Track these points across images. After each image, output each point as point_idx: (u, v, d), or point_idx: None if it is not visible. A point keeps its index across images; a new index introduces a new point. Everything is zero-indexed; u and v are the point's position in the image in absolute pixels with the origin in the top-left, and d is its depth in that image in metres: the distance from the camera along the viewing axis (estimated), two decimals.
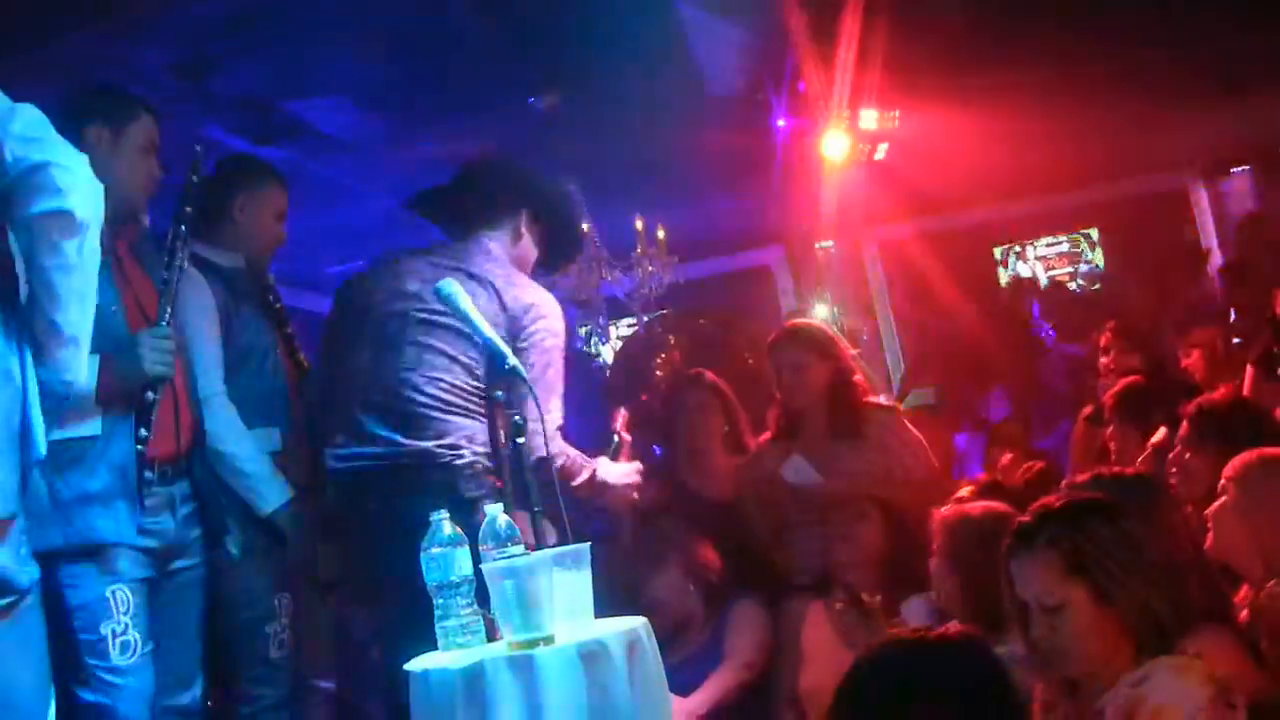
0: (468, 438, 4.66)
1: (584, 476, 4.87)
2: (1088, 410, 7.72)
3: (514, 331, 4.71)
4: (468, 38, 7.02)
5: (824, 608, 5.79)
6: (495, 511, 3.92)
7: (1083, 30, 8.15)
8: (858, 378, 6.35)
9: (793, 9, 7.48)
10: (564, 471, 4.71)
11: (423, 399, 4.69)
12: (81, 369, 3.52)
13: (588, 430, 5.66)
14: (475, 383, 4.70)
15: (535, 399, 4.43)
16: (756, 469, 6.32)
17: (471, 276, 4.79)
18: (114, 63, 6.20)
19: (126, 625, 4.27)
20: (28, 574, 3.43)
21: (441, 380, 4.70)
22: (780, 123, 9.03)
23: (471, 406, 4.70)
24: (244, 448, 4.90)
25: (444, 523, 3.89)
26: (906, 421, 6.41)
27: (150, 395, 4.39)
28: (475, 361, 4.70)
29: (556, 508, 4.33)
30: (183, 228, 4.61)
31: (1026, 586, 3.59)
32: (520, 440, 4.36)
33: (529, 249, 5.14)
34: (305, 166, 7.86)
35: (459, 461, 4.63)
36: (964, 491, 5.60)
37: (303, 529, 5.00)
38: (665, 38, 7.27)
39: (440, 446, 4.64)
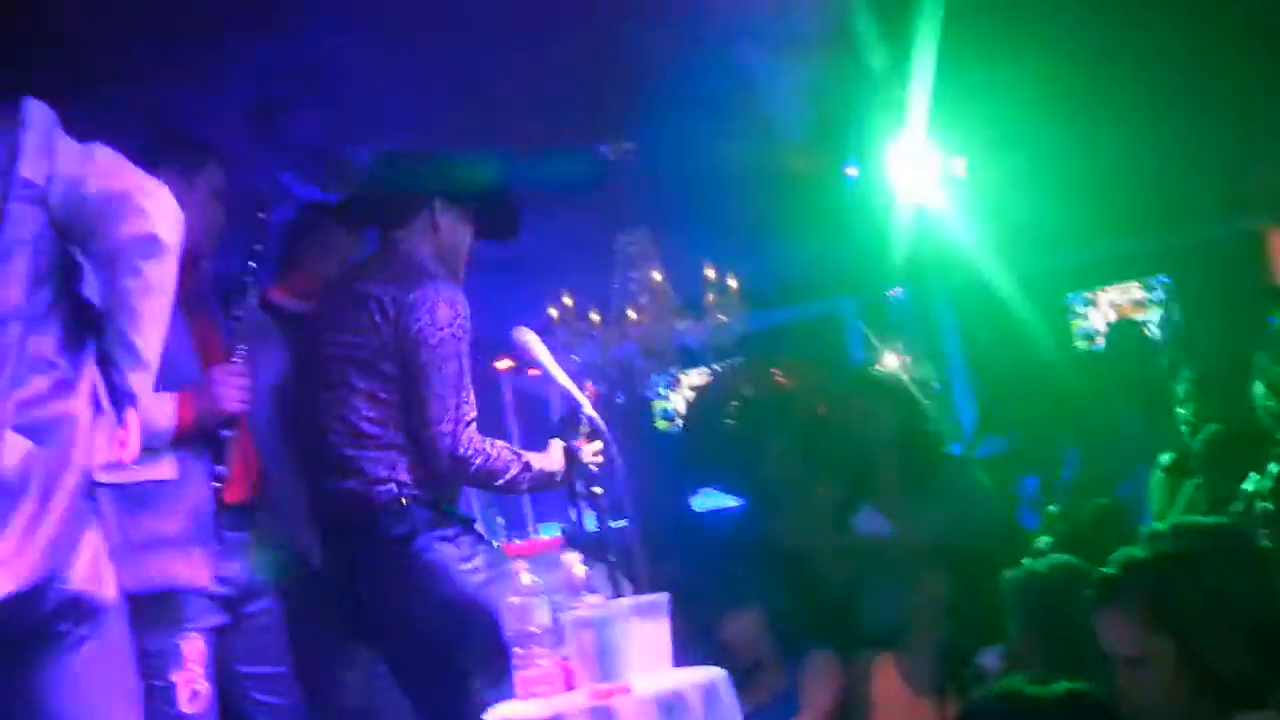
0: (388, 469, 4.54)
1: (512, 472, 4.58)
2: (1166, 458, 7.61)
3: (401, 335, 4.53)
4: (537, 85, 7.05)
5: (895, 659, 5.75)
6: (573, 561, 3.90)
7: (1157, 70, 8.10)
8: (930, 427, 6.32)
9: (865, 55, 7.47)
10: (486, 471, 4.54)
11: (334, 438, 4.59)
12: (148, 394, 3.52)
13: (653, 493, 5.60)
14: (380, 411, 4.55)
15: (447, 401, 4.40)
16: (828, 518, 6.28)
17: (355, 300, 4.63)
18: (186, 108, 6.25)
19: (196, 674, 4.25)
20: (109, 590, 3.41)
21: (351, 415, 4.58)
22: (852, 169, 9.01)
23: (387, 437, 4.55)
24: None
25: (523, 572, 3.87)
26: (980, 472, 6.37)
27: (226, 433, 4.38)
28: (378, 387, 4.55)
29: (632, 558, 4.31)
30: (253, 264, 4.60)
31: (1110, 638, 3.53)
32: (598, 490, 4.33)
33: (454, 234, 4.89)
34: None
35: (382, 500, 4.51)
36: (1042, 542, 5.54)
37: None
38: (735, 84, 7.27)
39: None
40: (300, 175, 7.43)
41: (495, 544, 13.82)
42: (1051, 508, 7.50)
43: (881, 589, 5.99)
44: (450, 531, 4.50)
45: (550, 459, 4.69)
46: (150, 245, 3.37)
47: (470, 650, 4.34)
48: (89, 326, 3.42)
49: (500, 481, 4.58)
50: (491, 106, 7.20)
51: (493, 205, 5.04)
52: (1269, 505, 5.16)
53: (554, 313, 9.31)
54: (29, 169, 3.29)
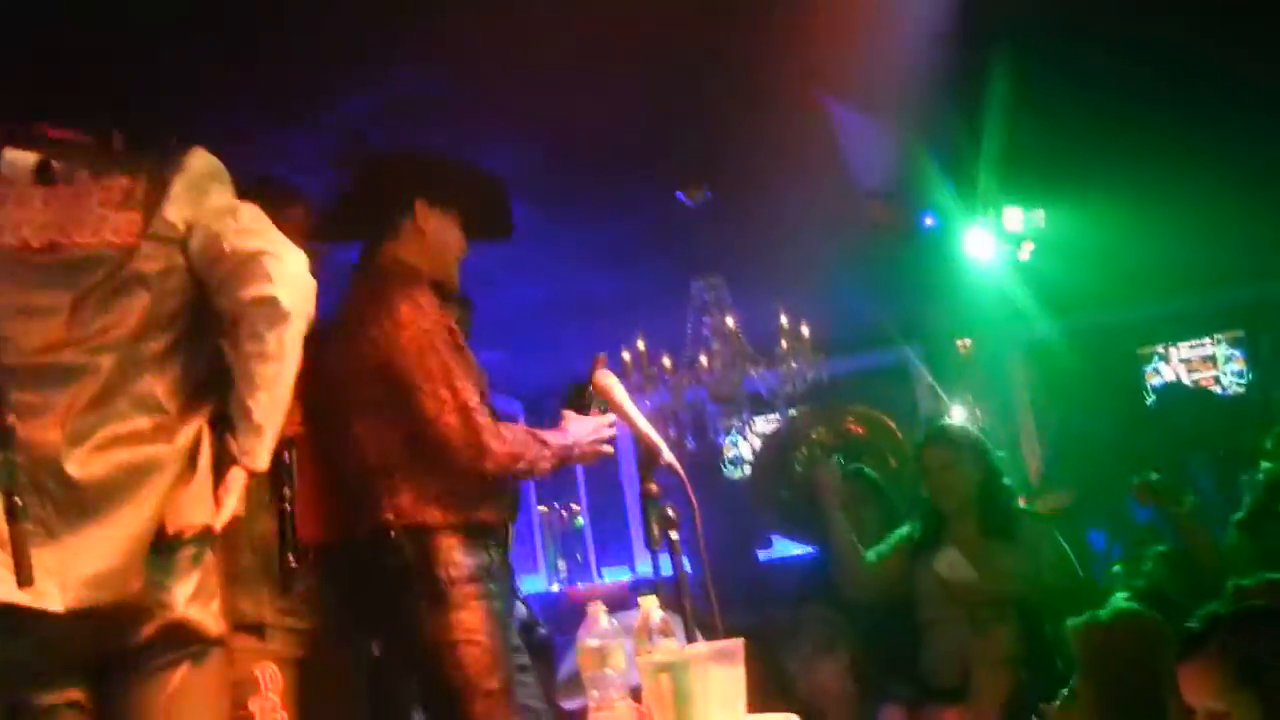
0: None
1: (532, 451, 4.45)
2: (1240, 515, 7.56)
3: (387, 355, 4.34)
4: (618, 130, 7.10)
5: (961, 713, 5.74)
6: (650, 605, 3.90)
7: (1234, 126, 8.10)
8: (1007, 480, 6.32)
9: (941, 108, 7.50)
10: (509, 454, 4.37)
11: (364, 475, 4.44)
12: (263, 456, 3.55)
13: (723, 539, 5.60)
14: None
15: (439, 393, 4.27)
16: (902, 566, 6.27)
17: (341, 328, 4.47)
18: (273, 152, 6.35)
19: (275, 703, 4.28)
20: (217, 624, 3.47)
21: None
22: (928, 220, 9.03)
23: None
24: None
25: (602, 614, 3.88)
26: (1054, 527, 6.37)
27: (287, 457, 4.41)
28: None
29: (709, 602, 4.31)
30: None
31: (1194, 694, 3.52)
32: (674, 535, 4.32)
33: (443, 237, 4.66)
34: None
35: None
36: (1121, 596, 5.51)
37: None
38: (813, 135, 7.31)
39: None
40: None
41: (558, 587, 13.86)
42: (1116, 568, 7.46)
43: (951, 639, 5.98)
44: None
45: (565, 432, 4.61)
46: (272, 311, 3.39)
47: None
48: (211, 381, 3.47)
49: (523, 465, 4.45)
50: (573, 152, 7.27)
51: (483, 201, 4.82)
52: None
53: (627, 356, 9.35)
54: (172, 211, 3.36)
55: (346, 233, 4.77)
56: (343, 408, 4.42)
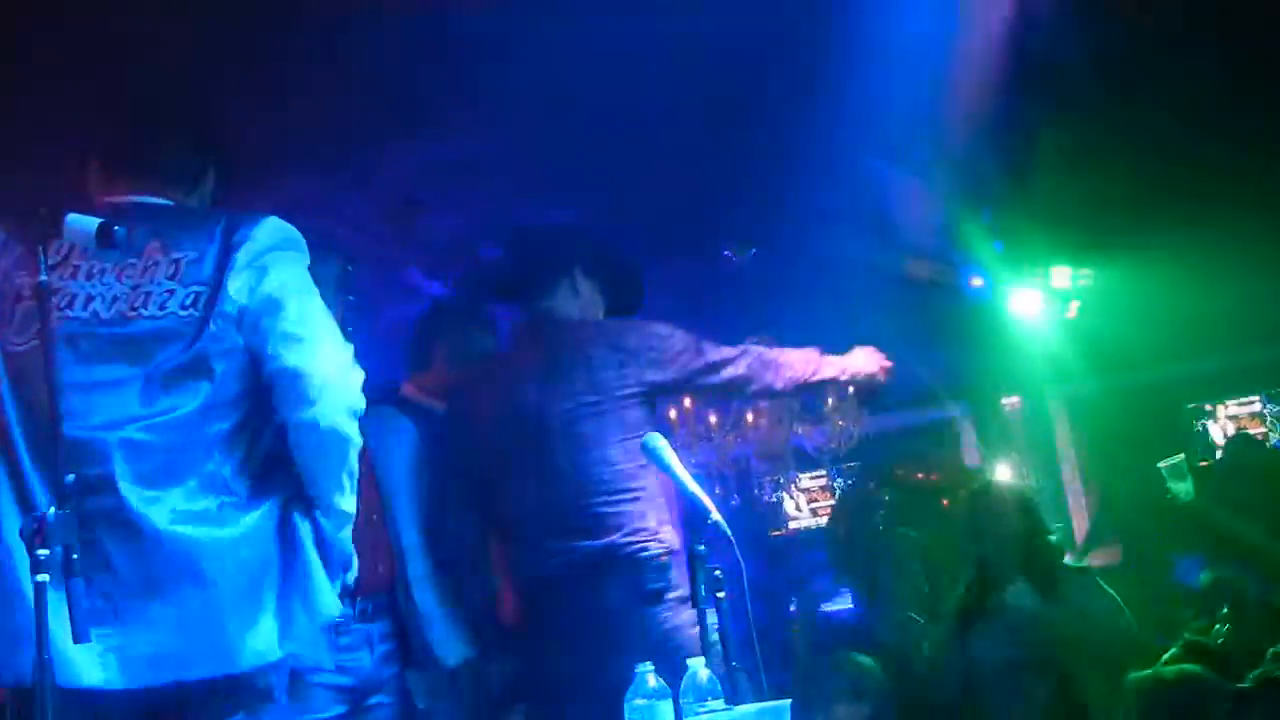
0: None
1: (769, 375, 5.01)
2: None
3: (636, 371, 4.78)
4: (665, 187, 7.13)
5: None
6: (697, 666, 3.91)
7: (1276, 182, 8.09)
8: (1052, 536, 6.32)
9: (988, 166, 7.51)
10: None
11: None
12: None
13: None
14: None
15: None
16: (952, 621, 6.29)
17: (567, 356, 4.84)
18: (324, 206, 6.38)
19: None
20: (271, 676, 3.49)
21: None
22: (975, 281, 9.04)
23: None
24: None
25: (649, 675, 3.88)
26: (1102, 581, 6.35)
27: None
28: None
29: (754, 661, 4.32)
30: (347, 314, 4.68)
31: None
32: (720, 595, 4.33)
33: (591, 303, 5.08)
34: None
35: (644, 554, 4.66)
36: (1170, 654, 5.51)
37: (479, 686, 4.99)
38: (860, 192, 7.33)
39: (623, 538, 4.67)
40: (430, 273, 7.54)
41: None
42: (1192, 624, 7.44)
43: (996, 697, 5.98)
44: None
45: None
46: (311, 434, 3.47)
47: None
48: (279, 464, 3.51)
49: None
50: (620, 211, 7.30)
51: (623, 276, 5.21)
52: None
53: (673, 414, 9.35)
54: (234, 288, 3.41)
55: (507, 291, 5.22)
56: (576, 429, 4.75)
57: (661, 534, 4.72)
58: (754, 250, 8.02)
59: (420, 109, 5.92)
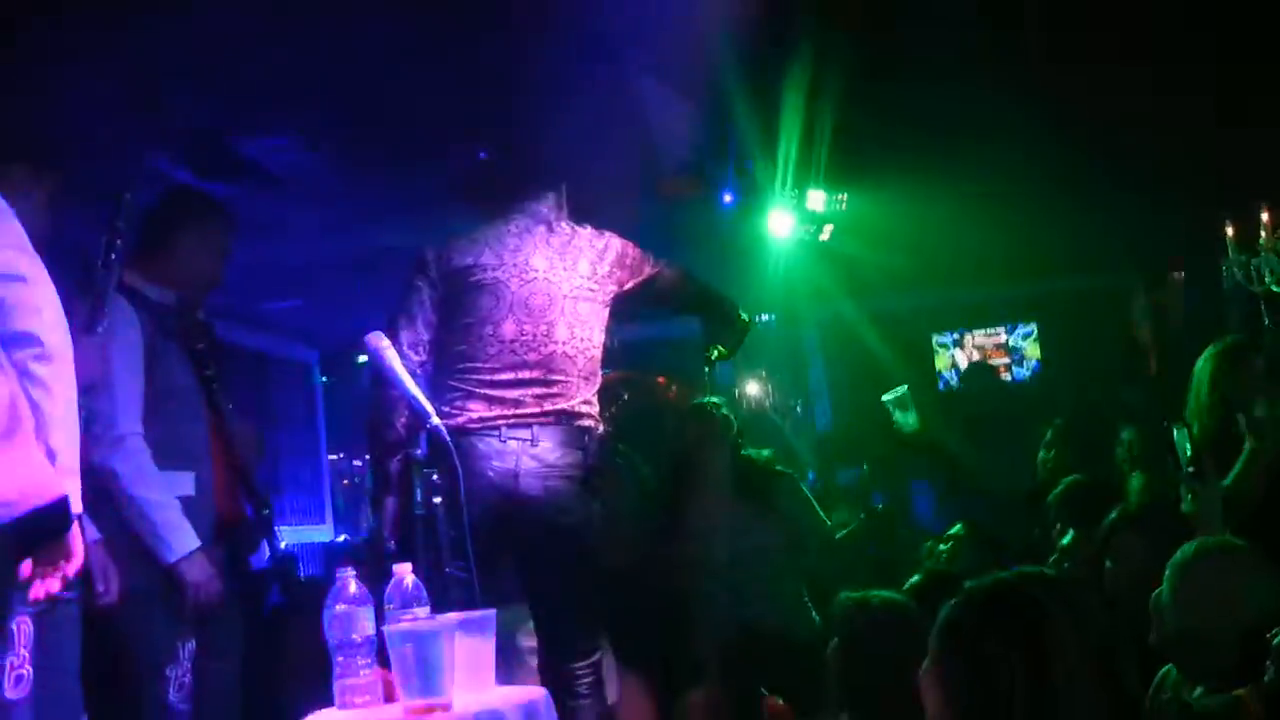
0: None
1: None
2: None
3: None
4: (422, 86, 7.04)
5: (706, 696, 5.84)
6: (404, 571, 3.88)
7: (1035, 126, 8.25)
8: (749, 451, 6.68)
9: (741, 88, 7.54)
10: None
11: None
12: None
13: None
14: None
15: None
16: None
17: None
18: (67, 88, 6.17)
19: (24, 658, 4.19)
20: None
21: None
22: (727, 198, 9.09)
23: None
24: (153, 493, 4.80)
25: (350, 580, 3.85)
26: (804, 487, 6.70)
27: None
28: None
29: (468, 571, 4.32)
30: (116, 242, 4.57)
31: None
32: (438, 500, 4.31)
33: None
34: (249, 203, 7.84)
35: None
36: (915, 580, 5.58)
37: (208, 577, 4.92)
38: (619, 102, 7.30)
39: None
40: (177, 160, 7.36)
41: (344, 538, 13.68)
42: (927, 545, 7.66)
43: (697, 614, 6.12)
44: None
45: None
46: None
47: None
48: None
49: None
50: (373, 103, 7.19)
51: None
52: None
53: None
54: None
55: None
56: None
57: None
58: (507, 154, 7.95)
59: None
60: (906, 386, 7.96)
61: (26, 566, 3.40)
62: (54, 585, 3.56)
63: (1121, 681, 3.41)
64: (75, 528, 3.50)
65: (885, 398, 7.84)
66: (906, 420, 7.74)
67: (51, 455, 3.38)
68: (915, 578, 5.43)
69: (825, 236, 9.78)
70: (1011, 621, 3.03)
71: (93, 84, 6.28)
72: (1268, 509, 5.24)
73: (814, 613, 6.42)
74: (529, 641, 5.30)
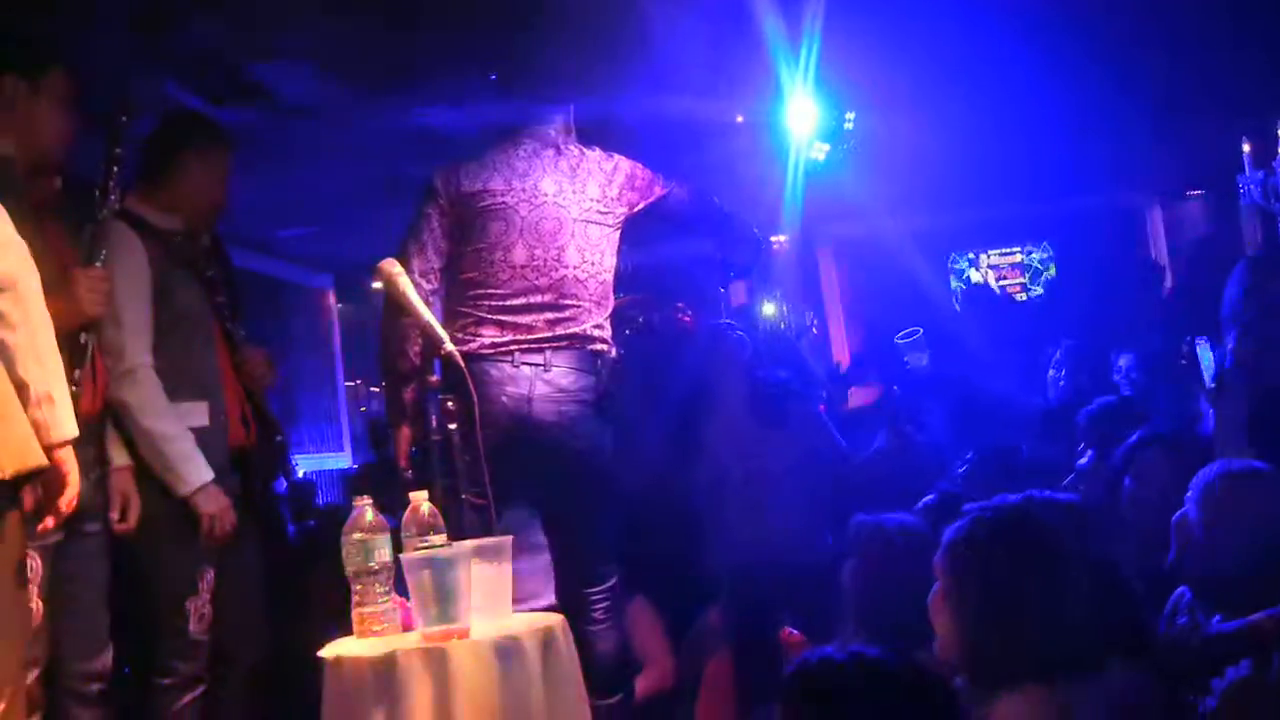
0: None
1: None
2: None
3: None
4: (434, 9, 6.98)
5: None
6: (420, 498, 3.88)
7: (1045, 48, 8.19)
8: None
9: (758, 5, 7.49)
10: None
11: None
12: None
13: None
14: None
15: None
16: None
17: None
18: (70, 10, 6.11)
19: (32, 593, 4.18)
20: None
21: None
22: (739, 117, 9.03)
23: None
24: (165, 425, 4.75)
25: (368, 509, 3.86)
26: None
27: (84, 337, 4.35)
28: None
29: (484, 496, 4.32)
30: (115, 168, 4.54)
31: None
32: (453, 426, 4.30)
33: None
34: (261, 129, 7.80)
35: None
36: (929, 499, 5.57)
37: (223, 508, 4.89)
38: (625, 18, 7.23)
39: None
40: (186, 85, 7.30)
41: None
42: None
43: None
44: None
45: None
46: None
47: None
48: None
49: None
50: (385, 26, 7.14)
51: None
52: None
53: None
54: None
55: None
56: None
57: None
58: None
59: None
60: (921, 330, 7.97)
61: (27, 500, 3.37)
62: (60, 513, 3.56)
63: (1128, 593, 3.42)
64: (61, 456, 3.47)
65: (898, 338, 7.85)
66: (919, 359, 7.76)
67: (22, 388, 3.30)
68: (929, 497, 5.43)
69: (837, 155, 9.72)
70: (1017, 545, 3.04)
71: (96, 3, 6.23)
72: None
73: (829, 534, 6.42)
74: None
